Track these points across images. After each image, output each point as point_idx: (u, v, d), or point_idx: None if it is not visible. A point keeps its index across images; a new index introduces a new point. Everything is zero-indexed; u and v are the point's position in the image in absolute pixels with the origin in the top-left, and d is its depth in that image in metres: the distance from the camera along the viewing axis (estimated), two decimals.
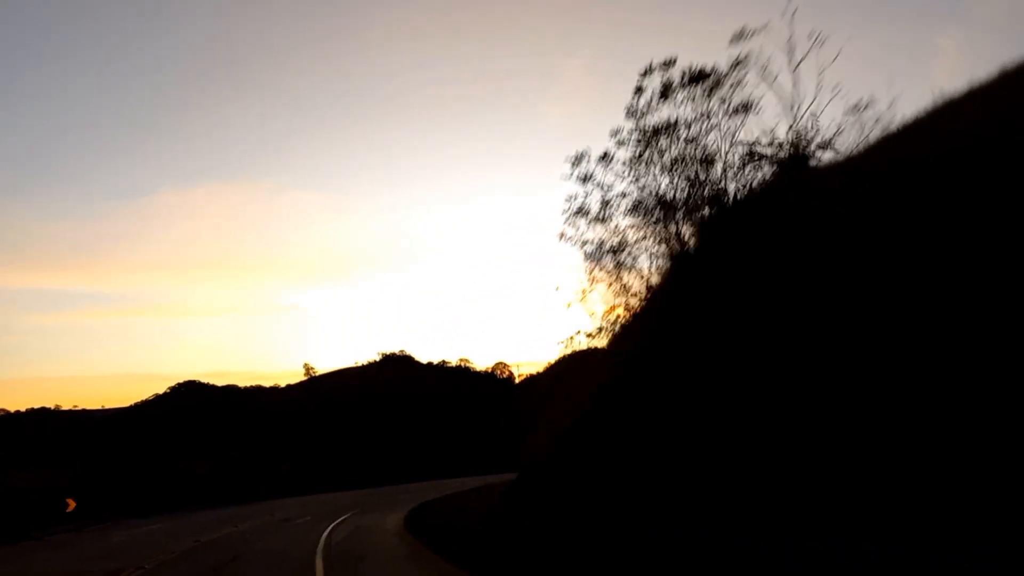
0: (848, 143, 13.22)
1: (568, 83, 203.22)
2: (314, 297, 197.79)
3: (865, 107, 13.30)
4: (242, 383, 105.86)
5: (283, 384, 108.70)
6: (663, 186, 15.91)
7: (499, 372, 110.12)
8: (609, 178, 16.87)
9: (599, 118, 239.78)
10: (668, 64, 15.46)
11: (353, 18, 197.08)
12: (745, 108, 14.61)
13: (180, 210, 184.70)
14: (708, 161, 15.16)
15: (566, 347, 24.40)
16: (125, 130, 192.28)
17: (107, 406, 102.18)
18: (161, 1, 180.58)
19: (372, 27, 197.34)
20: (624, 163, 16.47)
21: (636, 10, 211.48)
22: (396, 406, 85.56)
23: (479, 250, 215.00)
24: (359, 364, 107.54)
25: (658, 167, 15.83)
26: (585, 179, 17.14)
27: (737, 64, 14.42)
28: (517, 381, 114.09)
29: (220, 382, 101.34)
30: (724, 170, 15.05)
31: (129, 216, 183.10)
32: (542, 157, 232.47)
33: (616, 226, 16.86)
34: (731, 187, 15.00)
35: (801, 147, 14.06)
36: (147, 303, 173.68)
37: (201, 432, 77.50)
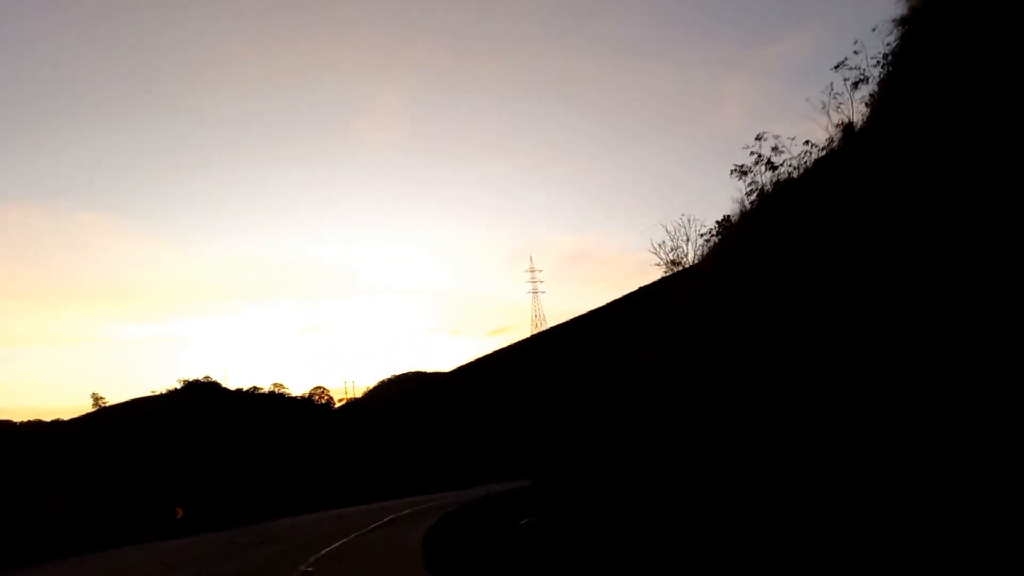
0: None
1: (387, 106, 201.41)
2: (117, 329, 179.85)
3: None
4: (19, 419, 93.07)
5: (67, 418, 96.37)
6: None
7: (317, 398, 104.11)
8: None
9: (419, 141, 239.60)
10: None
11: (159, 38, 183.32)
12: None
13: None
14: None
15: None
16: None
17: None
18: None
19: (180, 48, 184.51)
20: None
21: (454, 32, 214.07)
22: (201, 437, 77.85)
23: (298, 276, 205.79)
24: (156, 392, 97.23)
25: None
26: None
27: None
28: (336, 406, 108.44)
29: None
30: None
31: None
32: (359, 179, 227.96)
33: None
34: None
35: None
36: None
37: None
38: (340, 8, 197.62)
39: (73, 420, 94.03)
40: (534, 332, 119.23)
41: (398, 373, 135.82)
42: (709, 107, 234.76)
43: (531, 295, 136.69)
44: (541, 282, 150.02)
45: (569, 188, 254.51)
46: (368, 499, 43.01)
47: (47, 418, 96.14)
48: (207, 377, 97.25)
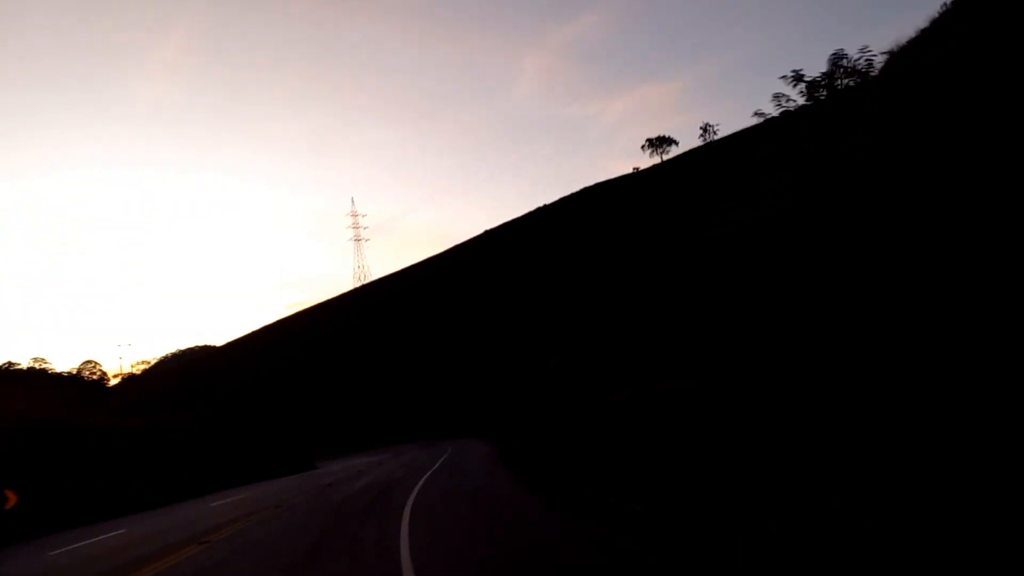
0: None
1: (162, 62, 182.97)
2: None
3: None
4: None
5: None
6: None
7: (88, 374, 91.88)
8: None
9: (197, 95, 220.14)
10: None
11: None
12: None
13: None
14: None
15: None
16: None
17: None
18: None
19: None
20: None
21: None
22: None
23: (59, 234, 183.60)
24: None
25: None
26: None
27: None
28: (111, 383, 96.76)
29: None
30: None
31: None
32: (132, 133, 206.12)
33: None
34: None
35: None
36: None
37: None
38: None
39: None
40: (358, 284, 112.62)
41: (182, 348, 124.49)
42: (505, 81, 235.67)
43: (353, 243, 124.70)
44: (365, 228, 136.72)
45: (370, 155, 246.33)
46: (183, 494, 30.24)
47: None
48: None
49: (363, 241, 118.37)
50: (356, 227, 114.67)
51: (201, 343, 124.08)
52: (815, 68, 18.50)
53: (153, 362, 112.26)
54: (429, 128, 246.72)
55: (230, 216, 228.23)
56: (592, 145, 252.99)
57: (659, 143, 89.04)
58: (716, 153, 67.61)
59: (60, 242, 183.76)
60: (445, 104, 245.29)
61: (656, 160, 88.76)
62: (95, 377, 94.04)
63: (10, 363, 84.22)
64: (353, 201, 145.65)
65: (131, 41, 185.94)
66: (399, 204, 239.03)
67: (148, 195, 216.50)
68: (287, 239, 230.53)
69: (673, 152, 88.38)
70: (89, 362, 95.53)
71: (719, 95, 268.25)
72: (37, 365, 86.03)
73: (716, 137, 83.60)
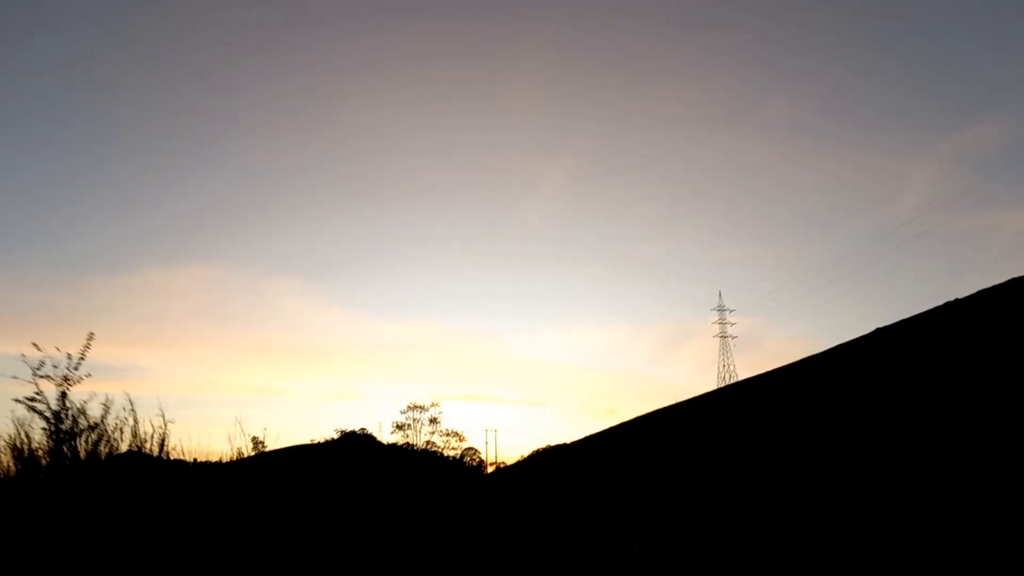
0: None
1: (550, 187, 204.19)
2: (292, 383, 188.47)
3: None
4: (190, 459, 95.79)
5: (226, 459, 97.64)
6: None
7: (468, 459, 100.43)
8: None
9: (577, 218, 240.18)
10: None
11: (342, 105, 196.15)
12: None
13: (162, 289, 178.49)
14: None
15: None
16: (109, 205, 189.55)
17: None
18: (146, 86, 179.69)
19: (368, 115, 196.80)
20: None
21: (616, 120, 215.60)
22: (357, 487, 75.40)
23: (461, 346, 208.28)
24: (315, 441, 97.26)
25: None
26: None
27: None
28: (488, 471, 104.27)
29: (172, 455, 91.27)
30: None
31: (109, 291, 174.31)
32: (523, 256, 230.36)
33: None
34: None
35: None
36: (124, 377, 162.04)
37: None
38: (509, 95, 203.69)
39: (233, 460, 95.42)
40: (721, 385, 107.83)
41: (549, 444, 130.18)
42: (886, 193, 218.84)
43: (719, 339, 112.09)
44: (733, 324, 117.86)
45: (728, 273, 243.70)
46: None
47: (214, 459, 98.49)
48: (363, 429, 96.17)
49: (729, 339, 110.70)
50: (723, 323, 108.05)
51: (556, 442, 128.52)
52: None
53: (525, 455, 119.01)
54: (803, 240, 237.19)
55: (588, 330, 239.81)
56: (995, 253, 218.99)
57: None
58: None
59: (455, 348, 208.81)
60: (814, 218, 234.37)
61: None
62: (475, 463, 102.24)
63: (409, 443, 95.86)
64: (720, 295, 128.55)
65: (523, 170, 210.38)
66: (766, 315, 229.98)
67: (525, 310, 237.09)
68: (632, 352, 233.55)
69: None
70: (470, 448, 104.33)
71: None
72: (429, 446, 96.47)
73: None
